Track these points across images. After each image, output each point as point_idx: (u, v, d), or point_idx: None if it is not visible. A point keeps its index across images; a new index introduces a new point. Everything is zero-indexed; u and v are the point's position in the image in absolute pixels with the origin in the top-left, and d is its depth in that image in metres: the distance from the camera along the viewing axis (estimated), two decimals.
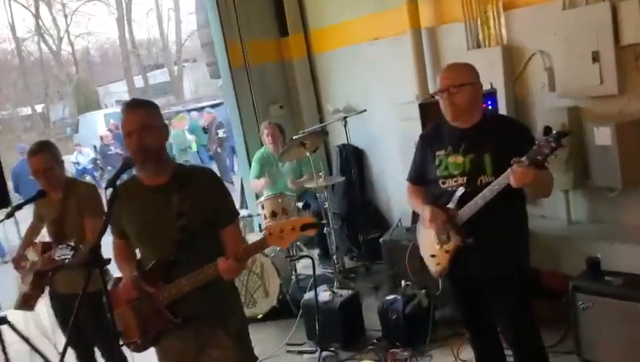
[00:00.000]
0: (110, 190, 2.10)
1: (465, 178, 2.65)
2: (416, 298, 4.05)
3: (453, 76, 2.67)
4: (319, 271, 5.53)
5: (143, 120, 2.27)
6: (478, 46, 4.36)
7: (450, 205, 2.67)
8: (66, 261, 2.89)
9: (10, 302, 3.36)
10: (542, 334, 2.93)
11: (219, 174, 10.92)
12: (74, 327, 3.13)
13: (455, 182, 2.68)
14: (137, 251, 2.50)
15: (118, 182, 2.22)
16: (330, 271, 5.28)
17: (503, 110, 4.10)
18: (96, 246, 2.02)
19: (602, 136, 3.50)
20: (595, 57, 3.56)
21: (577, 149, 3.75)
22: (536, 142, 2.33)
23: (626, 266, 3.38)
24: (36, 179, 3.21)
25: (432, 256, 2.83)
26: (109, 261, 2.05)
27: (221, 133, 13.04)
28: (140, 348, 2.42)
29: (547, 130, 2.36)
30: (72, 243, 2.87)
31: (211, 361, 2.43)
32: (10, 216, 3.14)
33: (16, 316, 3.36)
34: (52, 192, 3.26)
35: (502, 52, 4.15)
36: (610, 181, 3.58)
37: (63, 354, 2.24)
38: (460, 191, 2.64)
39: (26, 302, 3.24)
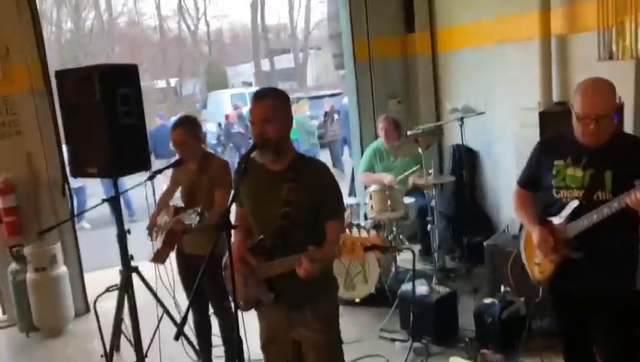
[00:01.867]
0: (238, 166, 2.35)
1: (582, 192, 2.63)
2: (514, 304, 4.06)
3: (604, 105, 2.55)
4: (419, 266, 5.62)
5: (266, 112, 2.45)
6: (610, 57, 4.22)
7: (562, 215, 2.68)
8: (193, 225, 3.27)
9: (139, 255, 3.81)
10: None
11: (331, 159, 11.27)
12: (191, 283, 3.54)
13: (570, 193, 2.67)
14: None
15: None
16: (430, 267, 5.37)
17: (629, 125, 3.97)
18: (227, 212, 2.29)
19: None
20: None
21: None
22: None
23: None
24: (175, 149, 3.61)
25: (537, 263, 2.86)
26: (235, 226, 2.32)
27: (336, 119, 13.38)
28: (243, 309, 2.67)
29: None
30: (199, 210, 3.23)
31: (299, 337, 2.63)
32: (151, 178, 3.55)
33: (147, 268, 3.80)
34: (189, 162, 3.65)
35: (635, 66, 4.00)
36: None
37: (187, 310, 2.48)
38: (575, 203, 2.63)
39: (159, 257, 3.65)
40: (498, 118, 5.45)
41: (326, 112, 14.51)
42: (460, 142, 5.59)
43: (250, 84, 32.09)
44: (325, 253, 2.38)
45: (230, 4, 42.77)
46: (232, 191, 2.37)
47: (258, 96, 2.52)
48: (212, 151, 4.09)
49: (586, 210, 2.59)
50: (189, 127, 3.61)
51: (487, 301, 4.14)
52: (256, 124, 2.47)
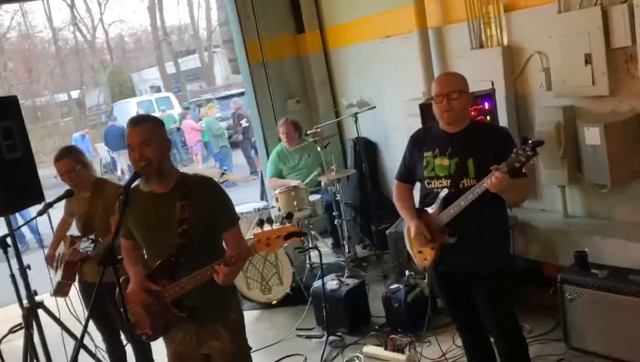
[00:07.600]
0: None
1: (449, 180, 2.85)
2: (417, 287, 4.30)
3: (452, 83, 2.87)
4: (333, 259, 5.81)
5: (144, 135, 2.48)
6: (481, 46, 4.52)
7: (435, 205, 2.90)
8: (89, 252, 3.25)
9: (44, 287, 3.73)
10: (536, 322, 3.18)
11: (246, 161, 11.12)
12: (99, 312, 3.52)
13: (440, 183, 2.89)
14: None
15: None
16: (343, 259, 5.55)
17: (502, 109, 4.27)
18: (111, 246, 2.31)
19: (592, 135, 3.66)
20: (588, 59, 3.70)
21: (572, 146, 3.91)
22: (514, 151, 2.52)
23: (613, 260, 3.57)
24: (62, 181, 3.54)
25: (419, 251, 3.06)
26: (121, 260, 2.34)
27: (244, 123, 13.32)
28: (150, 338, 2.72)
29: (524, 140, 2.56)
30: (93, 237, 3.22)
31: (210, 351, 2.69)
32: (42, 213, 3.47)
33: (51, 301, 3.72)
34: (80, 191, 3.59)
35: (502, 52, 4.30)
36: (600, 178, 3.74)
37: (84, 328, 2.48)
38: (444, 192, 2.85)
39: (60, 290, 3.59)
40: (391, 109, 5.68)
41: (233, 113, 14.44)
42: (358, 136, 5.80)
43: (158, 89, 31.32)
44: (240, 253, 2.49)
45: (127, 9, 41.44)
46: (117, 225, 2.36)
47: (134, 122, 2.56)
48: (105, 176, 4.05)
49: (454, 197, 2.81)
50: (72, 156, 3.52)
51: (393, 287, 4.35)
52: (135, 148, 2.49)
